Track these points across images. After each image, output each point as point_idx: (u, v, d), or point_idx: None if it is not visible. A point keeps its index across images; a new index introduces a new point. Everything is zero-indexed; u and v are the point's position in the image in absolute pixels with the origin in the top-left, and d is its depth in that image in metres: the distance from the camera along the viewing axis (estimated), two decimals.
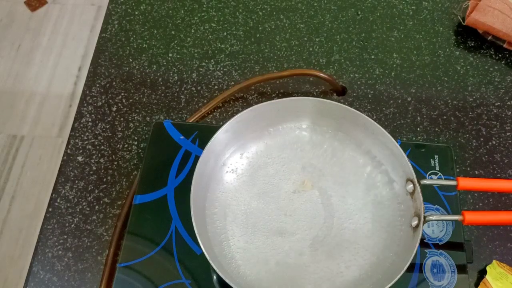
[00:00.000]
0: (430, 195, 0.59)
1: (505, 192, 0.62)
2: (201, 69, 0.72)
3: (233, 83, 0.70)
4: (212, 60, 0.73)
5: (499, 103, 0.70)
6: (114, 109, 0.68)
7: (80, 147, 0.65)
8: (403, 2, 0.80)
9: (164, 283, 0.54)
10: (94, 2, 1.82)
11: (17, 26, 1.77)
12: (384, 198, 0.57)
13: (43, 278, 0.57)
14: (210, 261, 0.48)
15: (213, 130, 0.56)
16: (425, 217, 0.52)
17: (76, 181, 0.63)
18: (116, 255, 0.57)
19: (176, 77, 0.71)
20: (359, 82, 0.71)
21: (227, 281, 0.47)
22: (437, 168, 0.61)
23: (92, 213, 0.60)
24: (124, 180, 0.63)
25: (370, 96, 0.70)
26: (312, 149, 0.60)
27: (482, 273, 0.57)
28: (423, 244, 0.56)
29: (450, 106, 0.70)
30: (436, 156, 0.62)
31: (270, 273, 0.53)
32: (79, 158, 0.64)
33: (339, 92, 0.71)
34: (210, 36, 0.75)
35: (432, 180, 0.59)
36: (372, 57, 0.74)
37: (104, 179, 0.63)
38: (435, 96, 0.70)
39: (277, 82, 0.71)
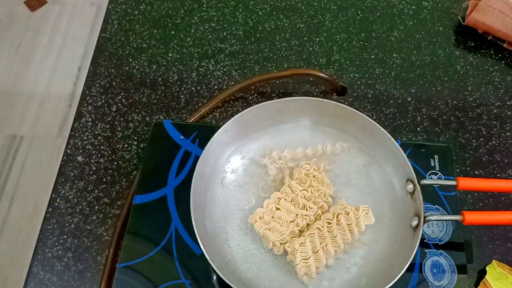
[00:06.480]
0: (430, 195, 0.59)
1: (505, 192, 0.62)
2: (201, 69, 0.72)
3: (233, 83, 0.70)
4: (212, 60, 0.73)
5: (499, 103, 0.70)
6: (114, 109, 0.68)
7: (80, 147, 0.65)
8: (403, 2, 0.80)
9: (164, 283, 0.54)
10: (94, 2, 1.82)
11: (17, 26, 1.77)
12: (383, 198, 0.57)
13: (43, 278, 0.56)
14: (210, 261, 0.48)
15: (213, 130, 0.56)
16: (425, 217, 0.52)
17: (76, 181, 0.63)
18: (116, 255, 0.57)
19: (176, 77, 0.71)
20: (359, 82, 0.71)
21: (227, 281, 0.47)
22: (437, 168, 0.61)
23: (92, 213, 0.60)
24: (124, 180, 0.63)
25: (370, 96, 0.70)
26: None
27: (482, 273, 0.57)
28: (423, 244, 0.56)
29: (450, 106, 0.70)
30: (436, 156, 0.62)
31: (270, 273, 0.53)
32: (79, 158, 0.64)
33: (339, 92, 0.71)
34: (210, 36, 0.75)
35: (432, 180, 0.59)
36: (372, 57, 0.74)
37: (104, 179, 0.63)
38: (435, 96, 0.70)
39: (277, 82, 0.71)
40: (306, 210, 0.54)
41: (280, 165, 0.59)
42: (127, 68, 0.72)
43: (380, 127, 0.56)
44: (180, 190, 0.59)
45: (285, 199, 0.55)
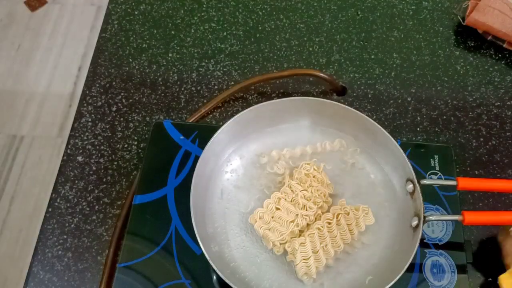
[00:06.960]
0: (430, 195, 0.59)
1: (505, 192, 0.62)
2: (201, 69, 0.72)
3: (233, 83, 0.70)
4: (212, 60, 0.73)
5: (499, 103, 0.70)
6: (114, 109, 0.68)
7: (80, 147, 0.65)
8: (403, 2, 0.80)
9: (164, 283, 0.54)
10: (94, 2, 1.82)
11: (17, 26, 1.77)
12: (383, 198, 0.57)
13: (43, 278, 0.56)
14: (210, 261, 0.48)
15: (213, 130, 0.56)
16: (425, 217, 0.52)
17: (76, 181, 0.63)
18: (116, 255, 0.57)
19: (176, 77, 0.71)
20: (359, 82, 0.71)
21: (227, 281, 0.47)
22: (437, 168, 0.61)
23: (92, 213, 0.60)
24: (124, 180, 0.63)
25: (370, 96, 0.70)
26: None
27: (482, 273, 0.57)
28: (423, 244, 0.56)
29: (450, 106, 0.70)
30: (436, 156, 0.62)
31: (270, 273, 0.53)
32: (79, 158, 0.64)
33: (339, 92, 0.71)
34: (210, 36, 0.75)
35: (432, 180, 0.59)
36: (372, 57, 0.74)
37: (104, 179, 0.63)
38: (435, 96, 0.70)
39: (277, 82, 0.71)
40: (306, 210, 0.54)
41: (280, 165, 0.59)
42: (127, 68, 0.72)
43: (380, 127, 0.56)
44: (180, 190, 0.59)
45: (285, 199, 0.55)
